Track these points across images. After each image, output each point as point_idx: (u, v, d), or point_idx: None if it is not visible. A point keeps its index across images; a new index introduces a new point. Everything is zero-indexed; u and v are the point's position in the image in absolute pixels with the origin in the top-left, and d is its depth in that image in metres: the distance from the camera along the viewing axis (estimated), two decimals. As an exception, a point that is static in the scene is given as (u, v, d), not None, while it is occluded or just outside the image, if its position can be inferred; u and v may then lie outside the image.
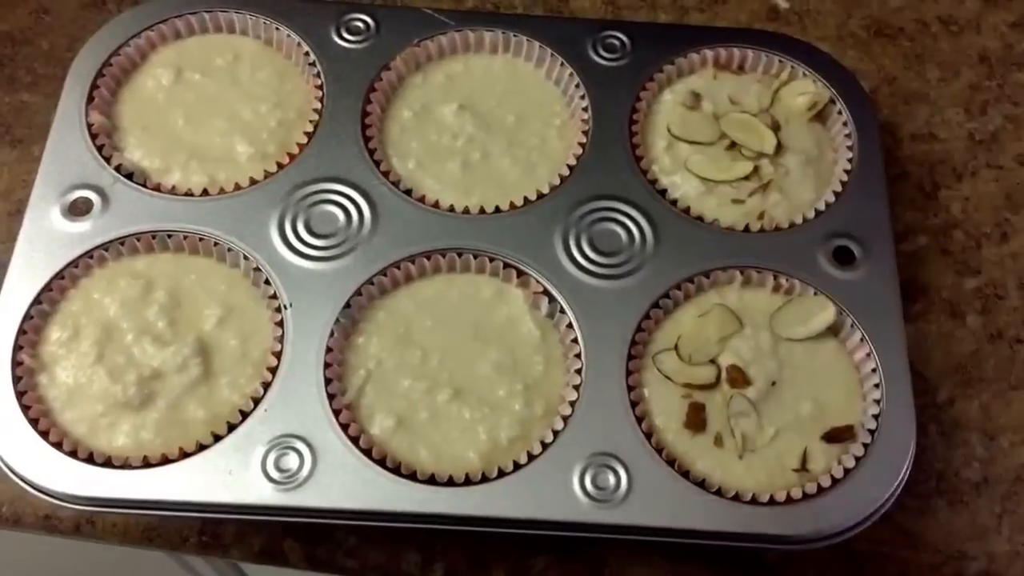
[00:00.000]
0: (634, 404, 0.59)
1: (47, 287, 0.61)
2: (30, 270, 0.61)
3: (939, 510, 0.65)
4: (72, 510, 0.58)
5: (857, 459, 0.58)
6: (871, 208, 0.66)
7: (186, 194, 0.65)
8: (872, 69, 0.81)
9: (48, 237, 0.63)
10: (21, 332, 0.59)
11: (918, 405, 0.60)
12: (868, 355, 0.61)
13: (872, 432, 0.59)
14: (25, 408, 0.57)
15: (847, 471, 0.58)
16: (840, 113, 0.70)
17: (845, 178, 0.68)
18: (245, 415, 0.58)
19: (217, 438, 0.57)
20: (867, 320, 0.62)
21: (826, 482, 0.58)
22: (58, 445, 0.57)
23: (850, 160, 0.68)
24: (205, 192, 0.65)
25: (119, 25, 0.70)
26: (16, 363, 0.59)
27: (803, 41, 0.74)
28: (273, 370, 0.59)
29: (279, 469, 0.56)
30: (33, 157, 0.73)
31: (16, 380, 0.58)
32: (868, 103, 0.71)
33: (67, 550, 0.73)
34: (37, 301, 0.60)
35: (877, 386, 0.60)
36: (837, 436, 0.60)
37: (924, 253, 0.73)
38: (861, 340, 0.62)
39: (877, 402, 0.60)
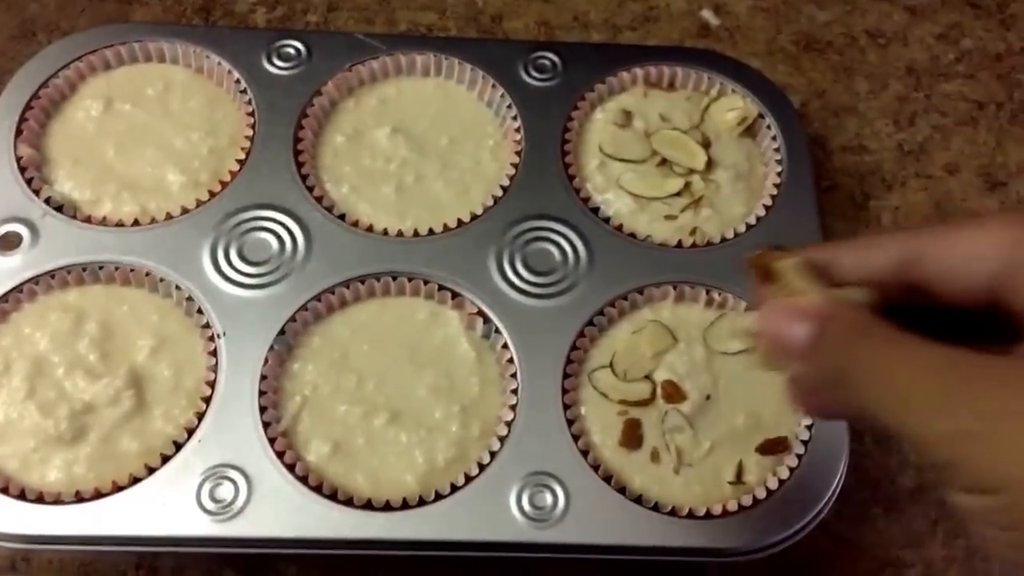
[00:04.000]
0: (570, 422, 0.60)
1: (-24, 323, 0.60)
2: (-41, 306, 0.61)
3: (876, 518, 0.66)
4: (6, 549, 0.58)
5: (791, 470, 0.59)
6: (801, 221, 0.67)
7: (117, 225, 0.65)
8: (802, 83, 0.82)
9: (-23, 272, 0.62)
10: (-49, 369, 0.59)
11: (852, 414, 0.61)
12: (800, 366, 0.62)
13: (805, 443, 0.60)
14: (-45, 446, 0.57)
15: (781, 482, 0.59)
16: (769, 128, 0.71)
17: (775, 192, 0.69)
18: (179, 446, 0.58)
19: (151, 470, 0.57)
20: (798, 332, 0.63)
21: (761, 494, 0.58)
22: (-11, 482, 0.56)
23: (780, 174, 0.69)
24: (136, 222, 0.65)
25: (48, 57, 0.70)
26: (-54, 400, 0.58)
27: (731, 58, 0.75)
28: (207, 400, 0.59)
29: (214, 500, 0.56)
30: (-37, 191, 0.73)
31: (-54, 417, 0.58)
32: (796, 117, 0.72)
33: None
34: (-33, 337, 0.60)
35: (810, 397, 0.61)
36: (771, 448, 0.60)
37: (857, 263, 0.74)
38: (793, 351, 0.62)
39: (810, 413, 0.61)
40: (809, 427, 0.60)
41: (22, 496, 0.56)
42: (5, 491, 0.56)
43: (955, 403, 0.32)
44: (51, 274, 0.62)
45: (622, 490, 0.58)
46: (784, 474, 0.59)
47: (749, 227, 0.67)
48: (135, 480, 0.56)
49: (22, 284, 0.62)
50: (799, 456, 0.59)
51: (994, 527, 0.31)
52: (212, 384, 0.59)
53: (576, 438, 0.59)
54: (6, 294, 0.61)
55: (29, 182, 0.65)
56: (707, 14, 0.86)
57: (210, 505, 0.55)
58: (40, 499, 0.56)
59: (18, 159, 0.66)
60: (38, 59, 0.70)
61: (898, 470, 0.67)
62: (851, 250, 0.41)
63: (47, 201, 0.65)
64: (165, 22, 0.82)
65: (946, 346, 0.33)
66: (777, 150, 0.70)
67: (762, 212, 0.68)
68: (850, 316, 0.37)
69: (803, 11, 0.86)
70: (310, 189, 0.67)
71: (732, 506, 0.58)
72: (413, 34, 0.83)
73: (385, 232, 0.66)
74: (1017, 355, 0.34)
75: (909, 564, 0.65)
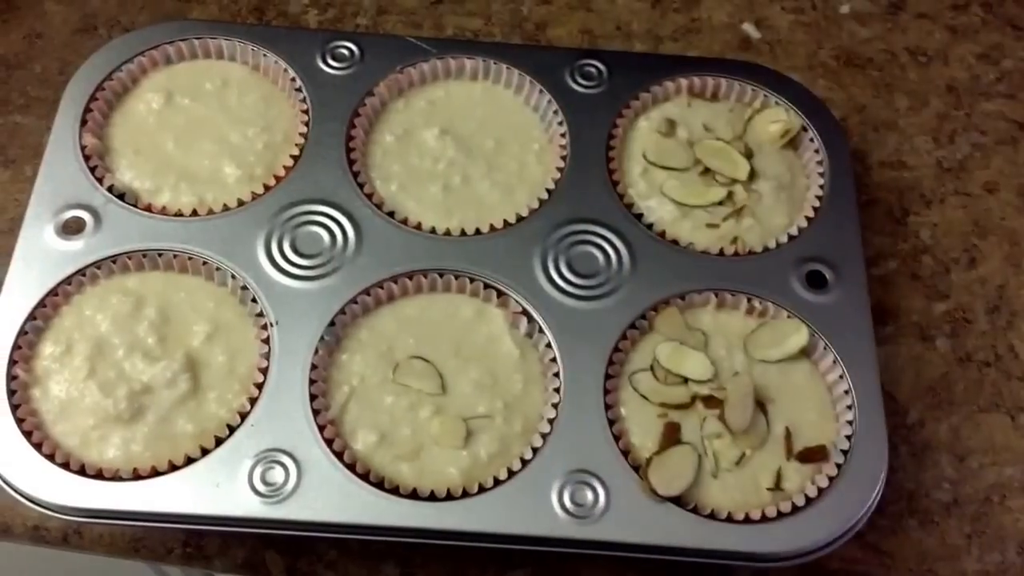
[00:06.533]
0: (611, 422, 0.61)
1: (41, 303, 0.62)
2: (25, 287, 0.63)
3: (910, 530, 0.66)
4: (61, 521, 0.59)
5: (830, 479, 0.60)
6: (843, 233, 0.68)
7: (176, 214, 0.67)
8: (842, 98, 0.83)
9: (42, 255, 0.64)
10: (16, 347, 0.61)
11: (889, 426, 0.61)
12: (841, 377, 0.63)
13: (845, 453, 0.60)
14: (19, 421, 0.59)
15: (820, 491, 0.59)
16: (812, 140, 0.72)
17: (817, 204, 0.70)
18: (232, 429, 0.59)
19: (205, 452, 0.59)
20: (839, 342, 0.64)
21: (800, 501, 0.59)
22: (50, 457, 0.58)
23: (822, 186, 0.70)
24: (194, 212, 0.67)
25: (111, 50, 0.72)
26: (11, 377, 0.60)
27: (775, 70, 0.76)
28: (260, 386, 0.61)
29: (265, 483, 0.57)
30: (25, 177, 0.75)
31: (11, 394, 0.60)
32: (839, 130, 0.73)
33: (46, 562, 0.74)
34: (32, 317, 0.62)
35: (850, 407, 0.62)
36: (810, 456, 0.61)
37: (894, 277, 0.75)
38: (834, 362, 0.63)
39: (850, 423, 0.61)
40: (849, 437, 0.61)
41: (82, 472, 0.58)
42: (65, 466, 0.58)
43: None
44: (113, 259, 0.64)
45: (661, 491, 0.59)
46: (823, 483, 0.59)
47: (791, 238, 0.68)
48: (190, 460, 0.58)
49: (85, 268, 0.64)
50: (838, 465, 0.60)
51: None
52: (264, 371, 0.61)
53: (617, 438, 0.60)
54: (69, 277, 0.63)
55: (93, 170, 0.67)
56: (748, 27, 0.87)
57: (261, 488, 0.57)
58: (99, 475, 0.58)
59: (82, 148, 0.68)
60: (102, 53, 0.72)
61: (933, 484, 0.68)
62: None
63: (110, 189, 0.67)
64: (222, 21, 0.84)
65: None
66: (819, 163, 0.71)
67: (803, 223, 0.69)
68: None
69: (844, 27, 0.87)
70: (360, 186, 0.69)
71: (770, 512, 0.59)
72: (460, 38, 0.85)
73: (432, 230, 0.67)
74: None
75: (942, 577, 0.65)
